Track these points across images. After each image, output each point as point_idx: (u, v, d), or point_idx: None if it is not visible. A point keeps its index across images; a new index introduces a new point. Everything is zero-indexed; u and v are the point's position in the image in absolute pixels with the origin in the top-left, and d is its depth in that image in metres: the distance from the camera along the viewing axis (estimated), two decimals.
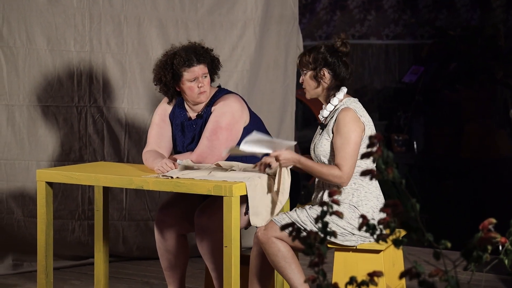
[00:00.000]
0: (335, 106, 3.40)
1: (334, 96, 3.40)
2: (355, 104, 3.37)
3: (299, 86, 5.70)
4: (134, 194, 4.80)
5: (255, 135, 3.33)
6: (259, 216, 3.38)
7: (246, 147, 3.31)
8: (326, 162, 3.36)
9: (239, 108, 3.65)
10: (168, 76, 3.68)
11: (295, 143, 3.45)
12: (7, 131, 4.54)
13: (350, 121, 3.29)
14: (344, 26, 7.86)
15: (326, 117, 3.43)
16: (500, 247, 1.87)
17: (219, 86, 3.81)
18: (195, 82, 3.66)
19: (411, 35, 7.84)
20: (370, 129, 3.35)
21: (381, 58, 7.95)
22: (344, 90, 3.42)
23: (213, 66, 3.75)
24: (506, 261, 1.94)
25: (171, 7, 4.86)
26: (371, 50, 7.86)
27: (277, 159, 3.33)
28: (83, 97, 4.69)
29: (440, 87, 7.36)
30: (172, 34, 4.84)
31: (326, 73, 3.39)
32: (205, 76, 3.67)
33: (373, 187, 3.35)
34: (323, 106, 3.49)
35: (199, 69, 3.66)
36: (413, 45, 7.86)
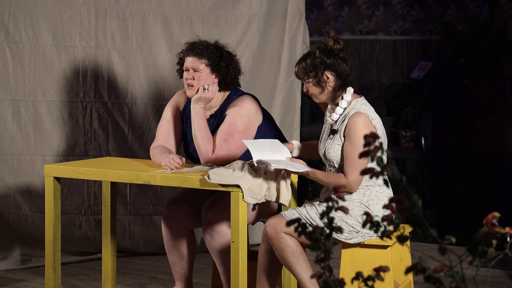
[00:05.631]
0: (344, 109, 3.36)
1: (342, 98, 3.37)
2: (365, 106, 3.33)
3: None
4: (137, 188, 4.81)
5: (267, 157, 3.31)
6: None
7: (259, 161, 3.30)
8: (339, 166, 3.33)
9: (255, 110, 3.65)
10: (180, 62, 3.72)
11: (289, 156, 3.38)
12: (13, 126, 4.55)
13: (362, 128, 3.25)
14: (352, 22, 7.84)
15: (336, 121, 3.39)
16: (508, 238, 1.86)
17: None
18: (186, 74, 3.66)
19: (419, 30, 7.81)
20: (380, 130, 3.33)
21: (389, 53, 7.92)
22: (351, 90, 3.38)
23: (223, 73, 3.64)
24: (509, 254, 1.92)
25: (176, 3, 4.86)
26: (379, 46, 7.83)
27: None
28: (88, 92, 4.70)
29: (449, 83, 7.33)
30: (177, 29, 4.84)
31: (329, 76, 3.34)
32: (196, 71, 3.63)
33: (385, 187, 3.33)
34: (330, 107, 3.45)
35: (190, 61, 3.63)
36: (421, 41, 7.83)
